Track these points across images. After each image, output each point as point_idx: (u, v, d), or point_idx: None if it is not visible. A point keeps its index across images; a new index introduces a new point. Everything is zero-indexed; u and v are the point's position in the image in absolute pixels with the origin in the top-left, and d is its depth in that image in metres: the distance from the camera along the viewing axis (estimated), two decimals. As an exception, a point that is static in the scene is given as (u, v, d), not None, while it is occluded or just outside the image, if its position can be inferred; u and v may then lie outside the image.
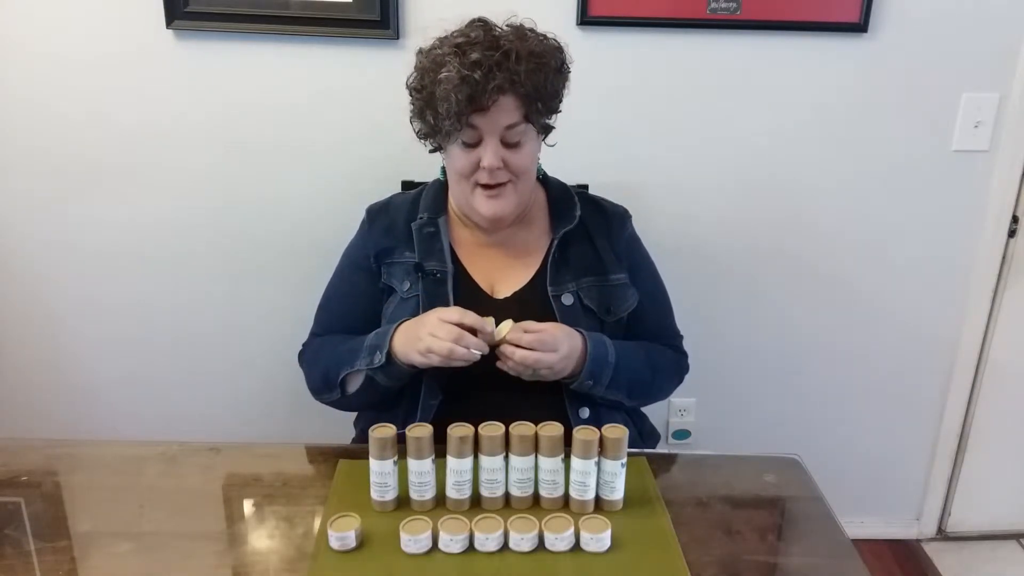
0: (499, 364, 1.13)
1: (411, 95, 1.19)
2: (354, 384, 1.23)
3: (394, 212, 1.31)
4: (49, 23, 1.59)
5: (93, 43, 1.60)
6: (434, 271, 1.23)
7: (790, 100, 1.70)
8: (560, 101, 1.21)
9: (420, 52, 1.18)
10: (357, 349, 1.20)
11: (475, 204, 1.20)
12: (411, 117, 1.21)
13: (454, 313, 1.10)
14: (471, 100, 1.09)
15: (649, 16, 1.61)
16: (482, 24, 1.15)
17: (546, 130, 1.24)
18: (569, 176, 1.39)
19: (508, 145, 1.16)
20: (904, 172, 1.76)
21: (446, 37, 1.15)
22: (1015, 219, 1.82)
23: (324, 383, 1.26)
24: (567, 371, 1.16)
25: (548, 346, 1.12)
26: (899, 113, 1.72)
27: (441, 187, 1.31)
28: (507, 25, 1.16)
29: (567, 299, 1.24)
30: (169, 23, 1.58)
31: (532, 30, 1.16)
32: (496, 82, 1.09)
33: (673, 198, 1.76)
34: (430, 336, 1.09)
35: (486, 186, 1.18)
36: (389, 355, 1.15)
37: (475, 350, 1.08)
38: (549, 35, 1.18)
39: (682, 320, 1.42)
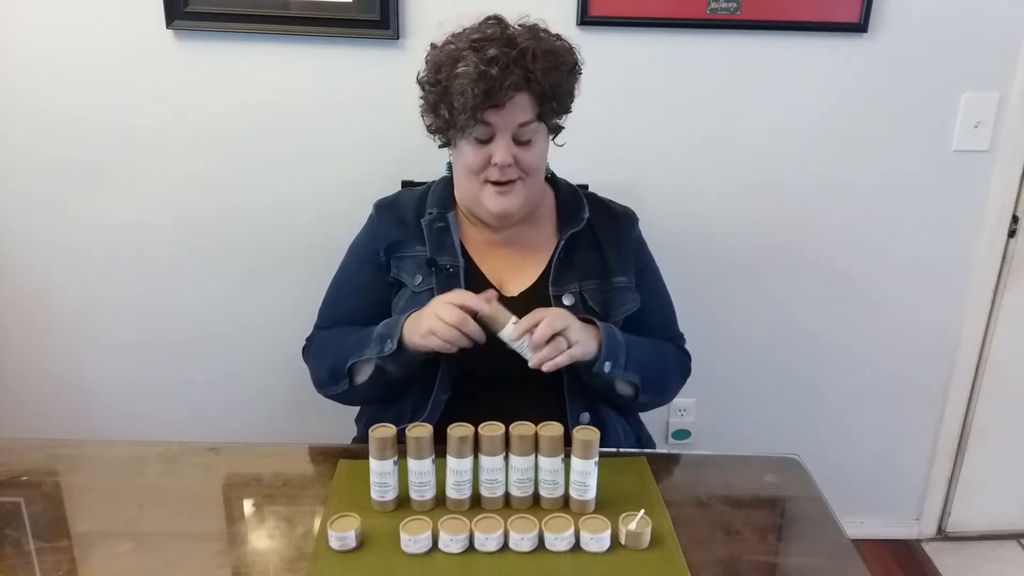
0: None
1: (424, 88, 1.19)
2: (363, 374, 1.23)
3: (403, 207, 1.32)
4: (49, 23, 1.59)
5: (93, 43, 1.60)
6: (446, 265, 1.24)
7: (790, 100, 1.70)
8: (572, 101, 1.22)
9: (433, 47, 1.19)
10: (366, 338, 1.20)
11: (483, 200, 1.21)
12: (422, 111, 1.22)
13: (456, 295, 1.12)
14: (487, 95, 1.10)
15: (649, 16, 1.61)
16: (497, 22, 1.16)
17: (556, 130, 1.25)
18: (568, 176, 1.39)
19: (520, 143, 1.17)
20: (904, 172, 1.76)
21: (461, 33, 1.17)
22: (1015, 219, 1.82)
23: (331, 374, 1.26)
24: (591, 347, 1.14)
25: (562, 319, 1.11)
26: (899, 113, 1.72)
27: (448, 183, 1.31)
28: (520, 24, 1.17)
29: (568, 300, 1.24)
30: (169, 23, 1.58)
31: (545, 30, 1.18)
32: (513, 79, 1.11)
33: (672, 198, 1.75)
34: (434, 317, 1.10)
35: (496, 182, 1.18)
36: (400, 342, 1.15)
37: (475, 337, 1.10)
38: (562, 35, 1.19)
39: (682, 320, 1.42)
